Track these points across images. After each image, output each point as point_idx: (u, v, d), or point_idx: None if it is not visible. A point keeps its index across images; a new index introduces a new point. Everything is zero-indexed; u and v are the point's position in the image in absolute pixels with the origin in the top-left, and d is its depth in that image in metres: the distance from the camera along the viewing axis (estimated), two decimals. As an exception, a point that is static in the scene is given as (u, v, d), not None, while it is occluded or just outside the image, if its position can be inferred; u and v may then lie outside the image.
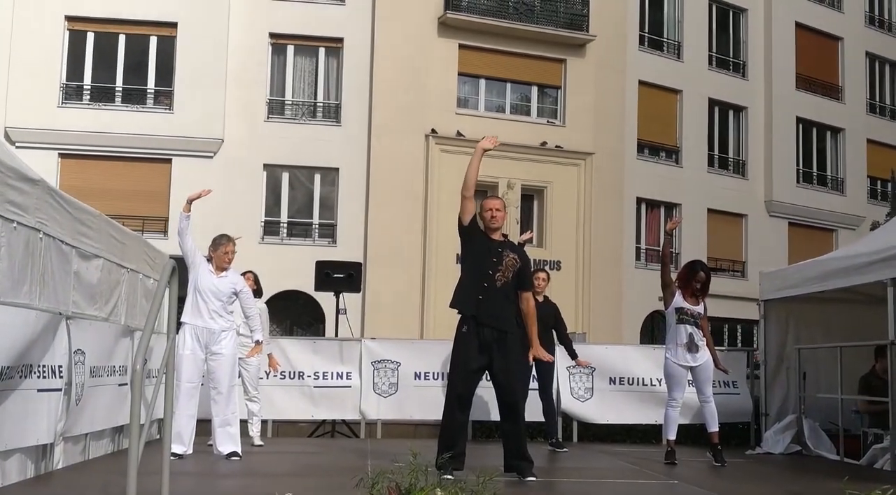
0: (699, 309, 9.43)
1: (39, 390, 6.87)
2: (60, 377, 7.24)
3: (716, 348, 9.72)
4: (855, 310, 10.97)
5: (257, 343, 9.14)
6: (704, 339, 9.45)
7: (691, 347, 9.34)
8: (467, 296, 7.48)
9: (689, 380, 9.55)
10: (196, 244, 8.92)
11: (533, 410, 10.17)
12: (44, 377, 6.94)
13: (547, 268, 24.58)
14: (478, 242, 7.56)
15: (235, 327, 9.20)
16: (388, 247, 24.29)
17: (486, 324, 7.40)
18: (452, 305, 7.62)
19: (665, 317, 9.72)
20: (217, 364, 8.82)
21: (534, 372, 10.79)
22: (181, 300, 8.82)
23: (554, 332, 10.82)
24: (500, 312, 7.43)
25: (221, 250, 8.93)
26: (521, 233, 11.24)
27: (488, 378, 7.77)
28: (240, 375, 9.88)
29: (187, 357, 8.73)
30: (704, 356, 9.42)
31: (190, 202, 8.84)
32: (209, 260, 8.96)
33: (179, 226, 8.93)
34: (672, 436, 9.50)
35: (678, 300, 9.41)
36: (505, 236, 7.75)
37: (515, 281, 7.54)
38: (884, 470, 9.07)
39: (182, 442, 8.66)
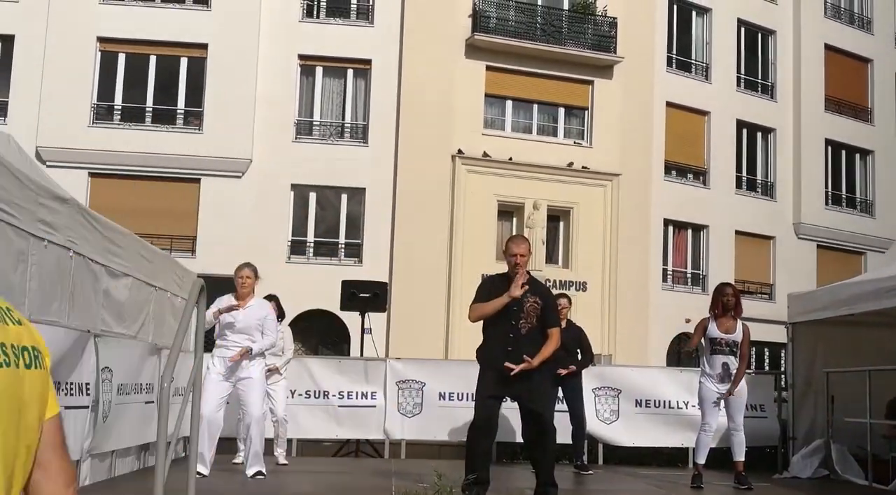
0: (734, 336, 9.36)
1: (67, 407, 6.92)
2: (88, 394, 7.29)
3: (746, 371, 9.65)
4: (884, 334, 10.87)
5: (249, 350, 8.94)
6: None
7: (724, 378, 9.29)
8: (495, 352, 7.45)
9: (721, 407, 9.48)
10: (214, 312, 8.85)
11: (559, 432, 10.11)
12: (71, 394, 6.99)
13: (572, 289, 24.58)
14: (497, 295, 7.55)
15: (264, 356, 9.23)
16: (413, 267, 24.33)
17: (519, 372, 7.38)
18: (480, 361, 7.59)
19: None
20: (246, 387, 8.85)
21: (560, 394, 10.79)
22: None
23: (577, 356, 10.82)
24: (529, 356, 7.42)
25: (236, 277, 9.00)
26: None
27: (512, 400, 7.75)
28: (268, 396, 9.96)
29: (213, 378, 8.77)
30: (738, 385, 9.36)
31: (220, 312, 8.85)
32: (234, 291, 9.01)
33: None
34: (701, 461, 9.43)
35: (712, 330, 9.38)
36: (528, 274, 7.71)
37: (541, 322, 7.52)
38: (913, 496, 8.97)
39: (204, 462, 8.67)
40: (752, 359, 26.93)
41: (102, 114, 24.49)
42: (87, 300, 7.66)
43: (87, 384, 7.27)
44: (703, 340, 9.59)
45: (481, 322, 7.63)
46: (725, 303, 9.41)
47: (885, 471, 10.01)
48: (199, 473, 8.27)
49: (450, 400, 12.01)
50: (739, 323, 9.46)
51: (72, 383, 6.98)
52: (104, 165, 23.80)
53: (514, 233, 25.05)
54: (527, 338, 7.44)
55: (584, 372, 11.00)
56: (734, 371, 9.31)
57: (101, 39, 24.38)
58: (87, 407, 7.31)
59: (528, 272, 7.73)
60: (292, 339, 10.87)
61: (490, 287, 7.69)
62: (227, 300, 8.92)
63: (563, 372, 10.27)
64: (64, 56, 23.73)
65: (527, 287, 7.42)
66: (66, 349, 6.84)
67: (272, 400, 10.21)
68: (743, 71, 30.41)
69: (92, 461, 7.66)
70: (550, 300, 7.81)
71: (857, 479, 10.36)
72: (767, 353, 28.19)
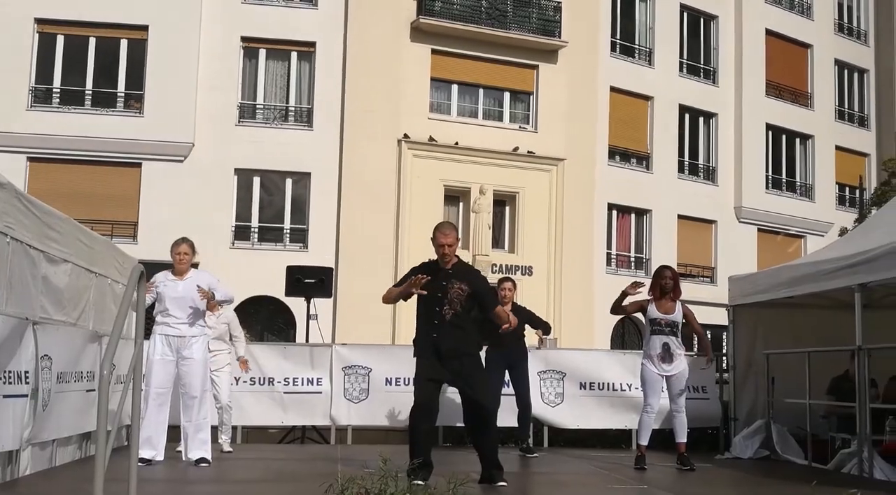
0: (674, 317, 9.49)
1: (5, 396, 6.80)
2: (27, 383, 7.17)
3: (685, 353, 9.78)
4: (823, 316, 11.05)
5: (212, 294, 8.77)
6: (682, 349, 9.55)
7: (665, 357, 9.42)
8: (422, 339, 7.58)
9: (663, 388, 9.61)
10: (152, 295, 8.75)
11: (504, 415, 10.17)
12: (10, 383, 6.86)
13: (518, 273, 24.69)
14: (424, 284, 7.55)
15: (207, 335, 9.15)
16: (359, 252, 24.25)
17: (447, 357, 7.45)
18: (415, 355, 7.64)
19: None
20: (188, 369, 8.76)
21: (507, 378, 10.84)
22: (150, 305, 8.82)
23: (524, 339, 10.90)
24: (456, 344, 7.49)
25: (173, 253, 8.92)
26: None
27: (451, 386, 7.79)
28: (212, 382, 9.88)
29: (157, 362, 8.68)
30: (679, 366, 9.49)
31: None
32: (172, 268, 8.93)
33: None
34: (644, 442, 9.55)
35: (651, 311, 9.50)
36: (458, 258, 7.73)
37: (469, 307, 7.56)
38: (851, 474, 9.15)
39: (152, 446, 8.58)
40: (693, 341, 27.19)
41: (41, 97, 24.03)
42: (25, 287, 7.52)
43: (26, 372, 7.15)
44: (644, 321, 9.71)
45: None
46: (664, 285, 9.55)
47: (824, 451, 10.21)
48: (144, 459, 8.22)
49: (396, 385, 12.00)
50: (679, 304, 9.60)
51: (10, 371, 6.85)
52: (43, 150, 23.38)
53: (460, 218, 25.13)
54: (450, 324, 7.48)
55: (529, 356, 11.06)
56: (675, 351, 9.44)
57: (39, 20, 23.90)
58: (26, 395, 7.18)
59: (457, 257, 7.75)
60: (239, 324, 10.75)
61: (414, 272, 7.70)
62: (162, 276, 8.82)
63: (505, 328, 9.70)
64: (1, 37, 23.21)
65: (423, 285, 7.41)
66: (3, 337, 6.72)
67: (216, 386, 10.12)
68: (685, 56, 30.70)
69: (32, 450, 7.53)
70: (482, 285, 7.80)
71: (797, 459, 10.55)
72: (709, 336, 28.51)
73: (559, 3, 27.21)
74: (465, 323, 7.55)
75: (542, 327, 11.11)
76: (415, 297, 7.67)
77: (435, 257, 7.76)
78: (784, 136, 32.48)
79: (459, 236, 8.08)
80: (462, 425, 11.11)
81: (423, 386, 7.51)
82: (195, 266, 9.14)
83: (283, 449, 11.50)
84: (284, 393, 11.93)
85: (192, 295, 8.71)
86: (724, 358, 12.84)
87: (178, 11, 24.12)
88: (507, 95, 27.41)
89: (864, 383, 9.12)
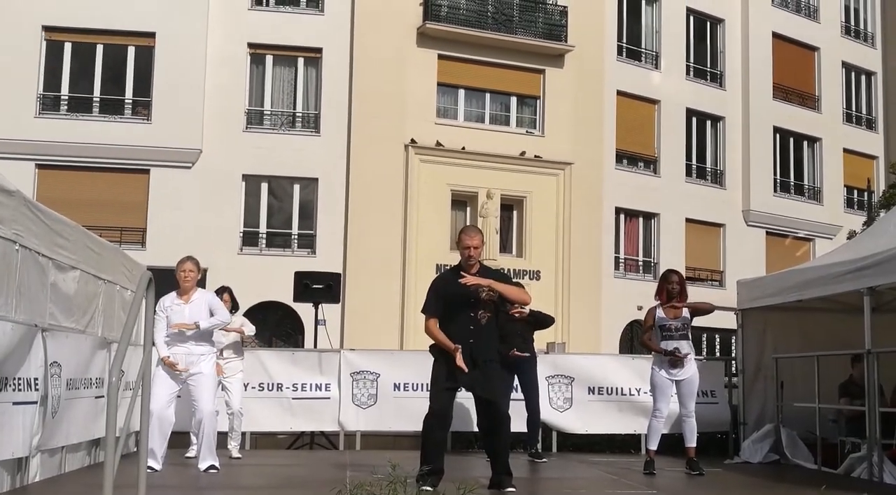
0: (683, 319, 9.48)
1: (15, 403, 6.81)
2: (36, 390, 7.18)
3: (696, 357, 9.77)
4: (832, 319, 11.02)
5: (197, 324, 8.73)
6: (693, 352, 9.54)
7: (676, 362, 9.40)
8: (456, 344, 7.38)
9: (672, 393, 9.60)
10: (160, 324, 8.73)
11: (513, 421, 10.13)
12: (19, 390, 6.88)
13: (526, 278, 24.68)
14: (453, 290, 7.48)
15: (215, 350, 9.16)
16: (367, 257, 24.27)
17: (479, 363, 7.39)
18: (437, 354, 7.49)
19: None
20: (197, 382, 8.76)
21: (516, 383, 10.83)
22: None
23: (533, 343, 10.92)
24: (488, 348, 7.45)
25: (178, 271, 8.87)
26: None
27: (467, 389, 7.76)
28: (224, 389, 9.91)
29: (161, 376, 8.65)
30: (690, 370, 9.47)
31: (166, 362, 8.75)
32: (177, 288, 8.89)
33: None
34: (653, 447, 9.53)
35: (659, 317, 9.49)
36: (480, 264, 7.68)
37: (499, 310, 7.53)
38: (861, 478, 9.11)
39: (155, 457, 8.55)
40: (702, 346, 27.18)
41: (49, 104, 24.11)
42: (35, 294, 7.53)
43: (36, 379, 7.16)
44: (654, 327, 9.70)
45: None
46: (670, 290, 9.54)
47: (834, 455, 10.17)
48: (150, 467, 8.20)
49: (405, 390, 11.99)
50: (684, 307, 9.61)
51: (20, 378, 6.87)
52: (51, 157, 23.45)
53: (467, 223, 25.10)
54: (487, 328, 7.44)
55: (538, 361, 11.06)
56: (686, 354, 9.41)
57: (47, 28, 23.99)
58: (36, 402, 7.19)
59: (480, 262, 7.71)
60: (250, 323, 10.67)
61: (442, 285, 7.63)
62: (169, 301, 8.79)
63: (515, 353, 10.30)
64: (9, 45, 23.29)
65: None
66: (13, 344, 6.72)
67: (228, 392, 10.12)
68: (692, 59, 30.68)
69: (41, 457, 7.55)
70: (506, 280, 7.83)
71: (807, 463, 10.51)
72: (718, 340, 28.51)
73: (565, 7, 27.22)
74: (497, 327, 7.55)
75: (545, 322, 11.16)
76: (420, 304, 7.63)
77: (448, 265, 7.74)
78: (792, 139, 32.44)
79: (485, 239, 8.03)
80: (469, 431, 11.19)
81: (440, 393, 7.45)
82: (202, 277, 9.11)
83: (291, 455, 11.50)
84: (293, 398, 11.93)
85: (198, 318, 8.72)
86: (734, 362, 12.79)
87: (185, 18, 24.19)
88: (513, 100, 27.42)
89: (873, 386, 9.09)
